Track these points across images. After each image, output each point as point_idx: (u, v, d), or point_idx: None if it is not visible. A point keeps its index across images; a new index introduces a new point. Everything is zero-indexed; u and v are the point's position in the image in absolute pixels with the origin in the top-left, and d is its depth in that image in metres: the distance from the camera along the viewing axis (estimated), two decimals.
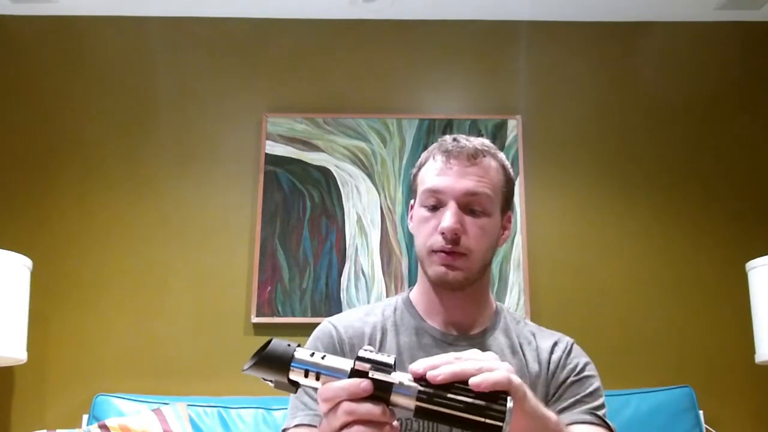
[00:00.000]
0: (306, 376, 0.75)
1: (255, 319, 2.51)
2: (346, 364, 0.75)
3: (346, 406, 0.73)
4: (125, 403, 2.21)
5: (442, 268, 1.15)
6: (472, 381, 0.73)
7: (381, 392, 0.73)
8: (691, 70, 2.81)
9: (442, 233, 1.13)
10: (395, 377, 0.74)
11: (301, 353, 0.76)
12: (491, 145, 1.22)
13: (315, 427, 1.09)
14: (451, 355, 0.78)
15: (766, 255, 2.30)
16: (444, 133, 2.65)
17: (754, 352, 2.33)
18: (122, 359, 2.49)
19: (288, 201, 2.63)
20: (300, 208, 2.63)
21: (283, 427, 1.14)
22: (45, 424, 2.37)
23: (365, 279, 2.56)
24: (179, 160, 2.70)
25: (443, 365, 0.75)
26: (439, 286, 1.18)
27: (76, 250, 2.59)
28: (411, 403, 0.73)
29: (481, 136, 2.61)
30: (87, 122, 2.72)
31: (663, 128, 2.76)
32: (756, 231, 2.64)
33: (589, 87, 2.80)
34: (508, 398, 0.74)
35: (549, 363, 1.18)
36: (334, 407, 0.74)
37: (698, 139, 2.75)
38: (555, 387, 1.16)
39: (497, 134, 2.69)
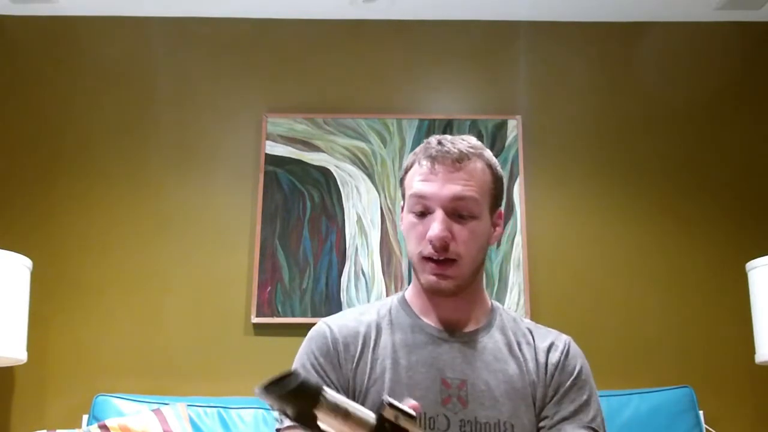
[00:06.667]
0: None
1: (255, 319, 2.51)
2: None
3: None
4: (125, 403, 2.21)
5: (434, 278, 1.16)
6: None
7: None
8: (691, 70, 2.81)
9: (431, 241, 1.14)
10: None
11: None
12: (477, 144, 1.22)
13: None
14: None
15: (766, 255, 2.30)
16: (444, 133, 2.64)
17: (754, 352, 2.33)
18: (122, 359, 2.49)
19: (288, 201, 2.63)
20: (300, 209, 2.63)
21: (276, 427, 1.16)
22: (45, 424, 2.37)
23: (365, 279, 2.56)
24: (179, 161, 2.70)
25: None
26: (431, 293, 1.20)
27: (76, 250, 2.59)
28: None
29: (481, 136, 2.65)
30: (87, 122, 2.72)
31: (663, 128, 2.76)
32: (756, 231, 2.64)
33: (589, 87, 2.80)
34: None
35: (547, 365, 1.19)
36: None
37: (698, 139, 2.75)
38: (554, 389, 1.18)
39: (497, 134, 2.69)
